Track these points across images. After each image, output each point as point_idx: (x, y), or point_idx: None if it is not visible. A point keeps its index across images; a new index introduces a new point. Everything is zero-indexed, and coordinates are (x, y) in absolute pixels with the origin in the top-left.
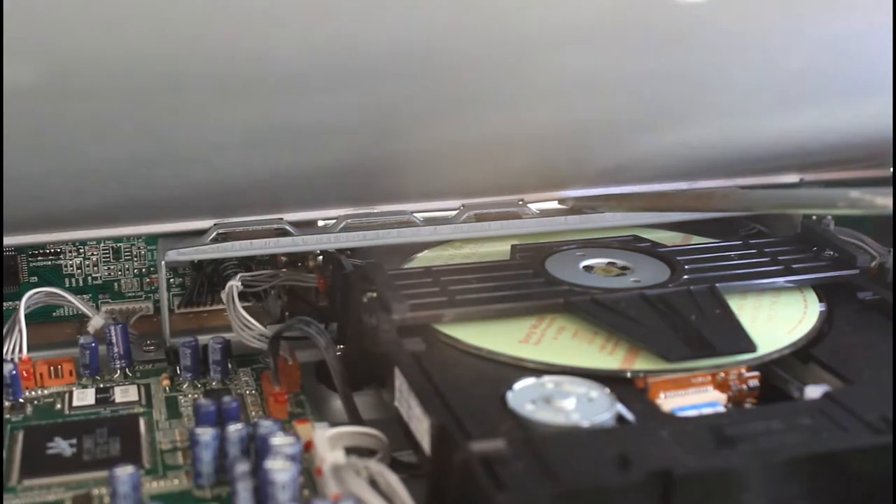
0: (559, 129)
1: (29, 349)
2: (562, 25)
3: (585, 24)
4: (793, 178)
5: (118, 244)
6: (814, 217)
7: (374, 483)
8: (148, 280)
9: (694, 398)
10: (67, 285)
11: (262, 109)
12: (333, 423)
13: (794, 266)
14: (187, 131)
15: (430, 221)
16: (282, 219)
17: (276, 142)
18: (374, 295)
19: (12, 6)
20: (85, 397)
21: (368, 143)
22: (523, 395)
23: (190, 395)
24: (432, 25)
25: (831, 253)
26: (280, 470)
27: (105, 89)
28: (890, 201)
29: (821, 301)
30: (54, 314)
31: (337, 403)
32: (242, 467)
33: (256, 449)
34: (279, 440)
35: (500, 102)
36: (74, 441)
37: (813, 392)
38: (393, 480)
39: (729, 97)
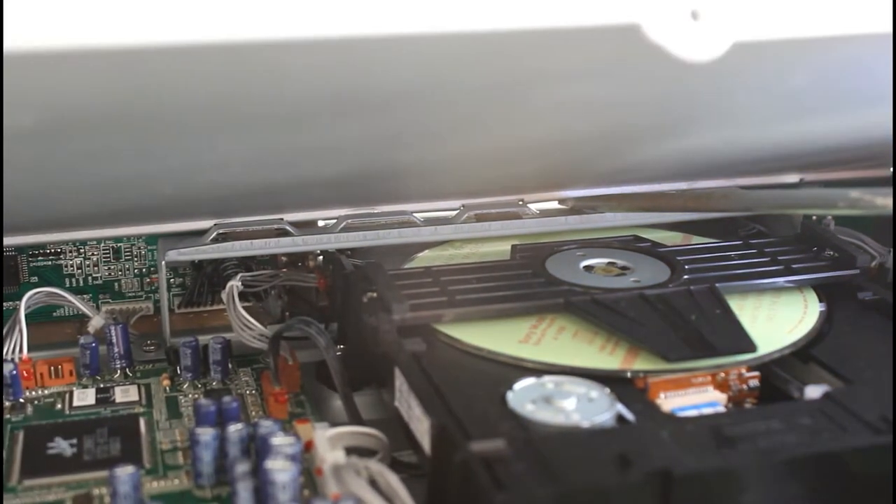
0: (561, 140)
1: (29, 349)
2: (568, 52)
3: (590, 51)
4: (793, 178)
5: (118, 244)
6: (814, 217)
7: (374, 483)
8: (148, 280)
9: (694, 398)
10: (68, 285)
11: (265, 138)
12: (333, 423)
13: (794, 266)
14: (189, 157)
15: (430, 222)
16: (282, 219)
17: (278, 160)
18: (375, 295)
19: (12, 48)
20: (85, 397)
21: (371, 157)
22: (523, 395)
23: (190, 395)
24: (439, 54)
25: (831, 253)
26: (280, 470)
27: (106, 125)
28: (890, 201)
29: (821, 301)
30: (54, 314)
31: (337, 403)
32: (243, 467)
33: (257, 449)
34: (279, 440)
35: (503, 120)
36: (75, 441)
37: (813, 392)
38: (393, 480)
39: (731, 107)
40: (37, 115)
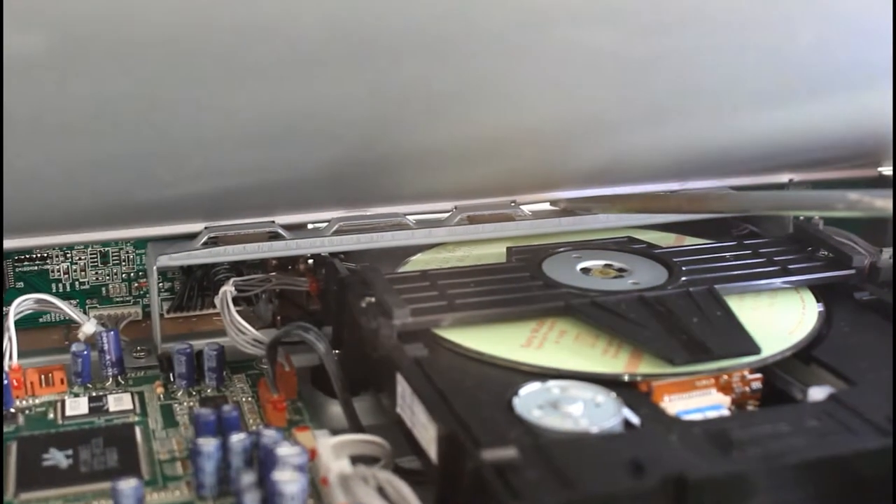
0: (551, 126)
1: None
2: (551, 16)
3: (576, 14)
4: (783, 178)
5: (106, 248)
6: (801, 217)
7: (381, 491)
8: (136, 285)
9: (698, 401)
10: (54, 290)
11: (256, 98)
12: (331, 429)
13: (790, 267)
14: (184, 120)
15: (423, 224)
16: (273, 222)
17: (269, 137)
18: (373, 300)
19: None
20: (78, 406)
21: (359, 139)
22: (530, 401)
23: (185, 403)
24: (425, 18)
25: (826, 253)
26: (289, 481)
27: (107, 64)
28: (890, 203)
29: (817, 301)
30: (41, 320)
31: (333, 409)
32: (248, 478)
33: (260, 459)
34: (286, 450)
35: (490, 97)
36: (70, 452)
37: (817, 394)
38: (403, 489)
39: (721, 89)
40: (45, 35)
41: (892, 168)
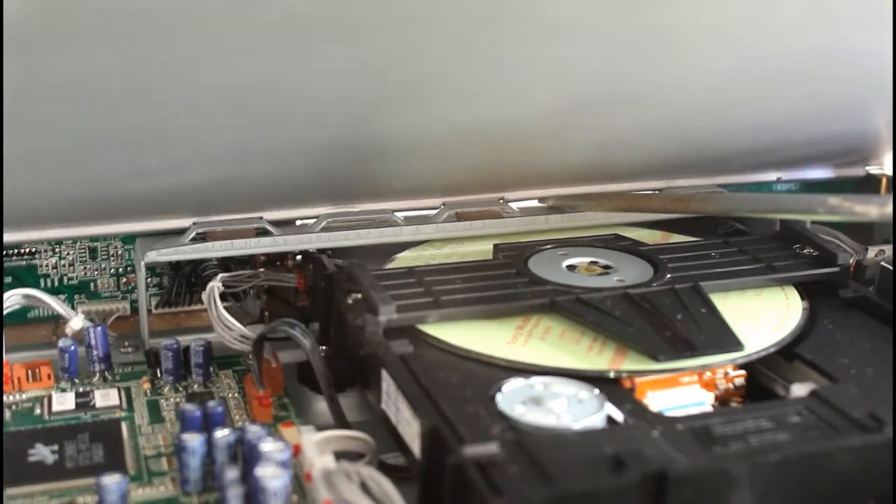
0: (537, 114)
1: (4, 351)
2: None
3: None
4: (770, 176)
5: (94, 244)
6: None
7: (364, 487)
8: (125, 280)
9: (681, 397)
10: (43, 286)
11: (239, 75)
12: (317, 426)
13: (775, 264)
14: (167, 99)
15: (411, 221)
16: (261, 217)
17: (252, 116)
18: (360, 296)
19: None
20: (64, 401)
21: (343, 119)
22: (513, 397)
23: (172, 399)
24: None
25: (811, 251)
26: (272, 477)
27: (88, 39)
28: (869, 209)
29: (802, 299)
30: (29, 315)
31: (319, 405)
32: (232, 474)
33: (244, 454)
34: (269, 446)
35: (474, 82)
36: (56, 447)
37: (799, 390)
38: (386, 485)
39: (705, 81)
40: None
41: (879, 167)
